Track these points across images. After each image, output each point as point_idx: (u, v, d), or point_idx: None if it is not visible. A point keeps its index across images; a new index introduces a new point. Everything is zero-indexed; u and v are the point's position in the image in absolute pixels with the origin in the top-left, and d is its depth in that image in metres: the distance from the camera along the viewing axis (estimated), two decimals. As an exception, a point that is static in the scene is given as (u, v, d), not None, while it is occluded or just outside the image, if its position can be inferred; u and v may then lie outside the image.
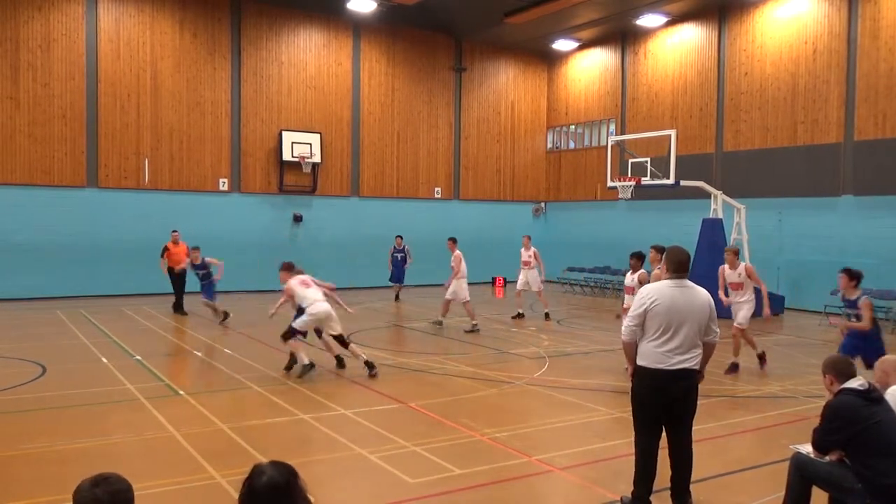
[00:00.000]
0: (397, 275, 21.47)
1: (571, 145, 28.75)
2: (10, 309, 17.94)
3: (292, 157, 23.42)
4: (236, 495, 2.70)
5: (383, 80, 25.66)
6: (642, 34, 25.04)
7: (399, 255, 21.45)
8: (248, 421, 8.35)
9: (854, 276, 9.24)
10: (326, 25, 24.43)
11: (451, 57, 27.03)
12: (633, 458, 5.83)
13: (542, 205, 29.20)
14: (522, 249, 17.96)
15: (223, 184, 22.91)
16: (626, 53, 25.81)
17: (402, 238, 21.54)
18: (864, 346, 8.84)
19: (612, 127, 26.28)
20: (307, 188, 24.17)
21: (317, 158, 23.88)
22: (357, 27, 24.91)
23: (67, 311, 17.60)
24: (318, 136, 24.04)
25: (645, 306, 5.60)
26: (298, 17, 23.95)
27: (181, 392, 9.62)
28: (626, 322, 5.74)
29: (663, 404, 5.65)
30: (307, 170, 23.84)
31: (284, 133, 23.47)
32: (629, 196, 20.26)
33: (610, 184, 20.93)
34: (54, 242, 20.21)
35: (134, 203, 21.46)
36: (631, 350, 5.76)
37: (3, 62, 19.83)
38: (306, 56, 24.22)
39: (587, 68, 27.50)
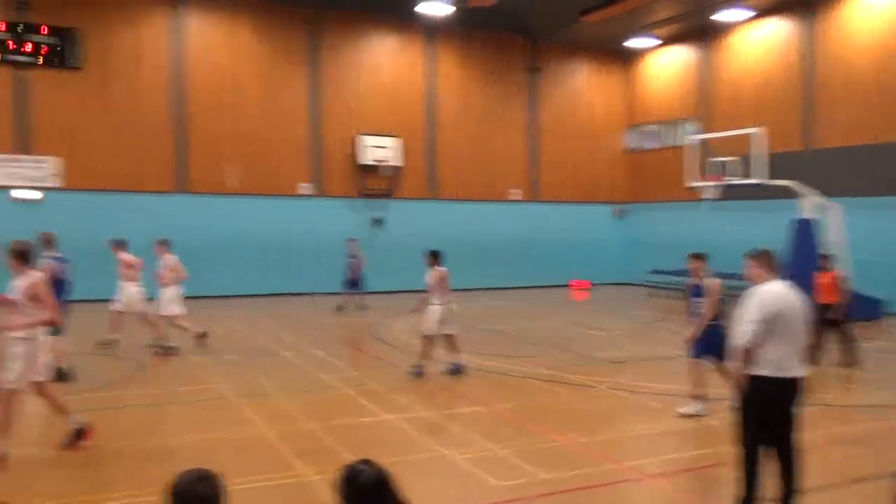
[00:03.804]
0: (347, 283, 19.15)
1: (652, 145, 28.15)
2: (105, 309, 18.72)
3: (371, 160, 23.73)
4: (324, 493, 2.72)
5: (458, 82, 25.72)
6: (723, 29, 24.30)
7: (351, 261, 19.29)
8: (335, 420, 8.47)
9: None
10: (401, 30, 24.67)
11: (526, 58, 26.87)
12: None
13: (623, 206, 28.68)
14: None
15: (304, 188, 23.42)
16: (707, 50, 25.09)
17: (355, 241, 19.69)
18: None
19: (693, 125, 25.60)
20: (386, 191, 24.45)
21: (395, 162, 24.13)
22: (432, 31, 25.06)
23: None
24: (396, 139, 24.28)
25: (769, 309, 5.29)
26: (374, 23, 24.27)
27: (271, 391, 9.85)
28: (747, 328, 5.32)
29: (783, 413, 5.41)
30: (386, 173, 24.11)
31: (362, 137, 23.80)
32: (713, 197, 19.68)
33: (691, 184, 20.38)
34: (147, 246, 20.93)
35: (220, 207, 22.16)
36: (746, 357, 5.37)
37: (97, 74, 20.81)
38: (382, 61, 24.51)
39: (666, 66, 26.88)
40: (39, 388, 7.12)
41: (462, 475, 6.65)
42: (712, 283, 8.72)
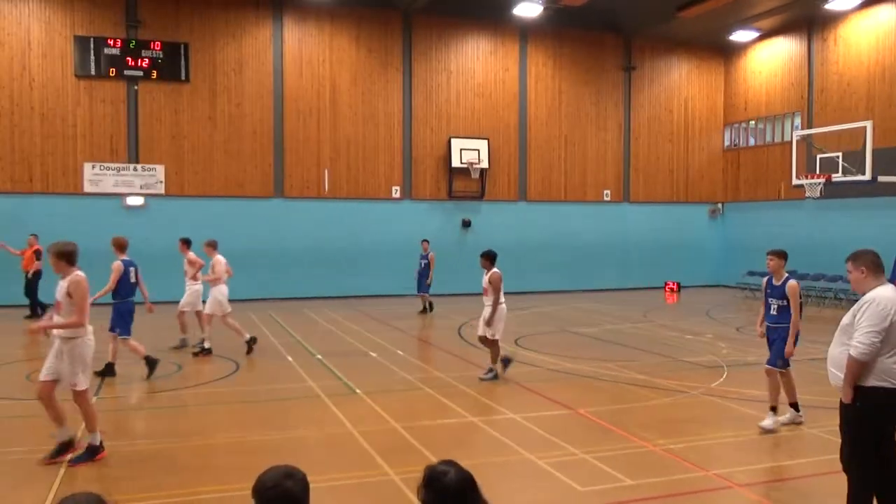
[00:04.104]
0: (420, 284, 19.32)
1: (751, 142, 27.09)
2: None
3: (461, 163, 23.89)
4: (409, 492, 2.78)
5: (550, 83, 25.55)
6: (831, 19, 23.10)
7: (423, 262, 19.34)
8: (420, 421, 8.59)
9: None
10: (493, 32, 24.72)
11: (619, 56, 26.41)
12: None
13: (720, 206, 27.75)
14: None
15: (396, 191, 23.82)
16: (813, 41, 23.93)
17: (427, 242, 19.60)
18: None
19: (798, 121, 24.47)
20: (475, 194, 24.55)
21: (484, 164, 24.20)
22: (523, 32, 24.99)
23: (258, 312, 19.02)
24: (486, 141, 24.35)
25: (890, 317, 4.92)
26: (466, 26, 24.42)
27: (358, 391, 10.09)
28: (870, 338, 4.89)
29: (893, 427, 5.08)
30: (475, 175, 24.21)
31: (453, 140, 24.00)
32: (818, 195, 18.79)
33: (796, 182, 19.52)
34: (246, 249, 21.92)
35: (316, 211, 22.84)
36: (865, 371, 4.99)
37: (202, 86, 21.86)
38: (474, 64, 24.64)
39: (768, 59, 25.80)
40: (44, 388, 6.97)
41: (545, 479, 6.62)
42: (794, 285, 8.20)
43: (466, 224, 24.36)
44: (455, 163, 23.89)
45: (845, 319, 5.18)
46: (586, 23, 24.91)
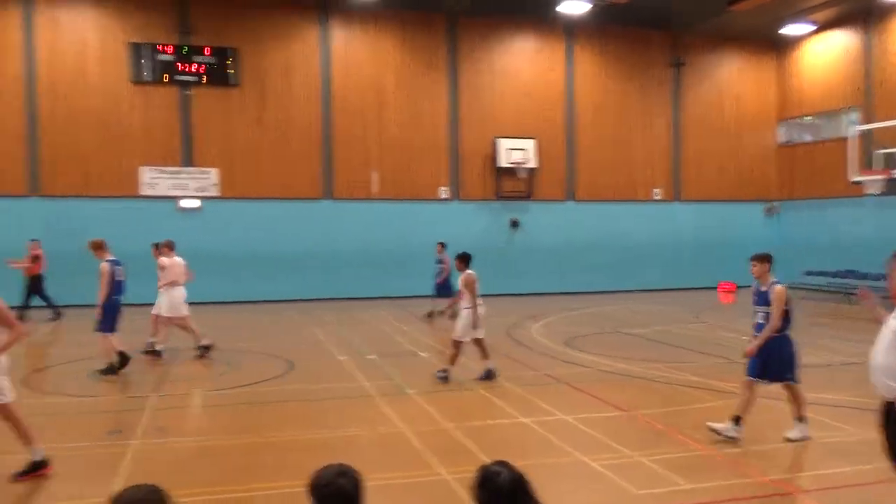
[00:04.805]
0: (436, 289, 18.30)
1: (807, 138, 26.38)
2: (262, 311, 19.95)
3: (508, 163, 23.79)
4: (460, 492, 2.76)
5: (596, 81, 25.27)
6: (890, 10, 22.35)
7: (439, 266, 18.32)
8: (471, 421, 8.57)
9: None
10: (538, 32, 24.56)
11: (667, 52, 25.98)
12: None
13: (776, 204, 27.07)
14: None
15: (443, 192, 23.84)
16: (872, 33, 23.18)
17: (443, 245, 18.56)
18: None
19: (856, 116, 23.73)
20: (523, 193, 24.42)
21: (532, 164, 24.05)
22: (569, 30, 24.77)
23: (309, 312, 19.24)
24: (533, 141, 24.20)
25: None
26: (511, 26, 24.30)
27: (410, 391, 10.12)
28: None
29: None
30: (523, 175, 24.08)
31: (500, 140, 23.91)
32: (878, 191, 18.18)
33: (854, 178, 18.90)
34: (297, 250, 22.24)
35: (364, 212, 23.01)
36: None
37: (252, 89, 22.21)
38: (519, 63, 24.52)
39: (824, 53, 25.09)
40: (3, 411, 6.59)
41: (599, 481, 6.55)
42: (778, 290, 7.77)
43: (515, 224, 24.24)
44: (502, 163, 23.80)
45: None
46: (633, 19, 24.54)
